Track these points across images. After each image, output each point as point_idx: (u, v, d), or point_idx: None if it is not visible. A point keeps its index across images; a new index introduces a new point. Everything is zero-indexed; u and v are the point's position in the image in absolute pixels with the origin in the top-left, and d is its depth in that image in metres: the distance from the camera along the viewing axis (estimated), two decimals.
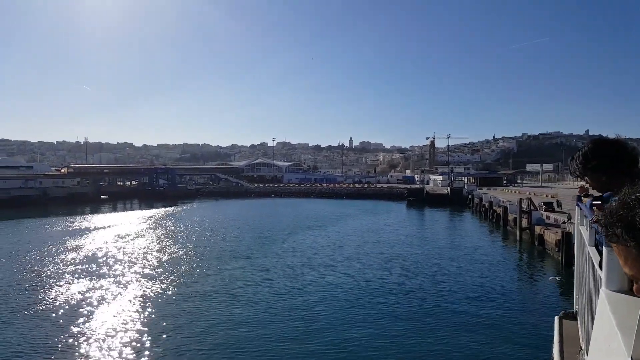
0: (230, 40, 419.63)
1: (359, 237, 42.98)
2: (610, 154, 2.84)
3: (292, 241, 40.60)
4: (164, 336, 17.40)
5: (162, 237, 43.96)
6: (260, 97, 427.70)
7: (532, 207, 39.11)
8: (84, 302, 21.71)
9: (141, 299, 22.32)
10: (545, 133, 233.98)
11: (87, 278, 26.57)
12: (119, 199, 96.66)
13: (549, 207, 45.38)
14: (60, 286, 24.81)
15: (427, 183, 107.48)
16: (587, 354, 3.09)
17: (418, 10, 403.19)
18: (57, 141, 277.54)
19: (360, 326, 18.44)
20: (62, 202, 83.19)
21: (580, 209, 4.48)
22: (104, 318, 19.54)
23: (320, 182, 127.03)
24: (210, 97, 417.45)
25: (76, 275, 27.26)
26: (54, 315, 19.97)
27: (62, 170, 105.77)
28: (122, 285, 25.00)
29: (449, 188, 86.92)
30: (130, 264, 30.54)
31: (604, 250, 2.56)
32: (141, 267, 29.62)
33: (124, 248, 37.17)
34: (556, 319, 4.50)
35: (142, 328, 18.30)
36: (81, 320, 19.19)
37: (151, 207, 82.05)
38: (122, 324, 18.79)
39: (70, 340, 17.05)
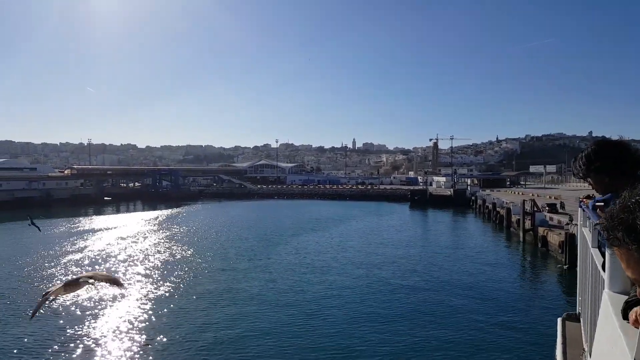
0: (234, 41, 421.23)
1: (363, 239, 42.95)
2: (613, 156, 2.83)
3: (295, 243, 40.60)
4: (167, 337, 17.43)
5: (166, 238, 44.04)
6: (264, 99, 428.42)
7: (535, 209, 38.99)
8: (86, 304, 21.75)
9: (145, 301, 22.38)
10: (549, 134, 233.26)
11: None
12: (122, 201, 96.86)
13: (552, 208, 45.22)
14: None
15: (431, 184, 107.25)
16: (590, 356, 3.09)
17: (421, 11, 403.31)
18: (60, 143, 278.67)
19: (365, 327, 18.42)
20: (65, 203, 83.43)
21: (583, 210, 4.47)
22: (107, 319, 19.59)
23: (324, 183, 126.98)
24: (214, 99, 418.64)
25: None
26: (57, 316, 20.01)
27: (66, 172, 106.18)
28: (125, 287, 25.03)
29: (452, 189, 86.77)
30: (133, 266, 30.62)
31: (607, 252, 2.56)
32: (145, 269, 29.70)
33: (127, 249, 37.27)
34: (559, 320, 4.49)
35: (145, 329, 18.36)
36: (84, 321, 19.26)
37: (154, 208, 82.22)
38: (126, 325, 18.84)
39: (74, 341, 17.11)
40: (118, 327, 18.49)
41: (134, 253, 35.36)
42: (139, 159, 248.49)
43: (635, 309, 1.61)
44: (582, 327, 4.06)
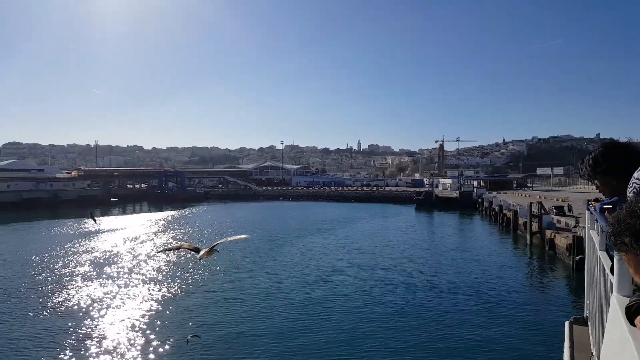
0: (238, 42, 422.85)
1: (368, 241, 42.87)
2: (621, 158, 2.80)
3: (300, 244, 40.60)
4: (172, 337, 17.47)
5: (171, 240, 44.21)
6: (269, 100, 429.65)
7: (542, 211, 38.71)
8: (93, 304, 21.89)
9: (150, 302, 22.47)
10: (556, 136, 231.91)
11: (97, 280, 26.82)
12: (129, 202, 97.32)
13: (559, 211, 44.90)
14: (70, 288, 25.06)
15: (437, 186, 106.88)
16: None
17: (426, 12, 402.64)
18: (67, 144, 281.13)
19: (370, 330, 18.35)
20: (72, 204, 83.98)
21: (591, 213, 4.43)
22: (113, 320, 19.71)
23: (329, 185, 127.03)
24: (219, 100, 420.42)
25: (86, 278, 27.52)
26: (63, 317, 20.18)
27: (73, 173, 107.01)
28: (131, 288, 25.18)
29: (458, 191, 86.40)
30: (139, 267, 30.76)
31: (615, 255, 2.53)
32: (150, 270, 29.82)
33: (133, 251, 37.46)
34: (566, 324, 4.44)
35: (150, 330, 18.41)
36: (90, 322, 19.39)
37: (160, 209, 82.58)
38: (131, 326, 18.92)
39: (80, 341, 17.22)
40: (122, 328, 18.58)
41: (141, 254, 35.50)
42: (145, 161, 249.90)
43: None
44: (590, 331, 4.01)
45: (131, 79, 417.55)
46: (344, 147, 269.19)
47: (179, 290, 24.68)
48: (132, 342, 17.18)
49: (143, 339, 17.51)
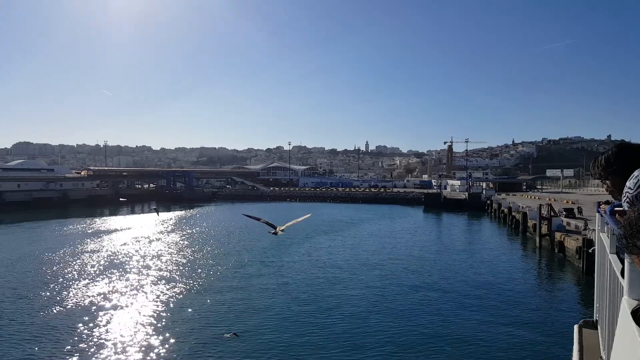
0: (248, 44, 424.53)
1: (376, 242, 42.75)
2: (634, 159, 2.76)
3: (308, 245, 40.59)
4: (179, 337, 17.56)
5: (179, 239, 44.46)
6: (277, 101, 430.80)
7: (552, 213, 38.36)
8: (102, 303, 22.08)
9: (158, 301, 22.61)
10: (566, 138, 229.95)
11: (106, 279, 27.04)
12: (137, 202, 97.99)
13: (569, 213, 44.47)
14: (79, 287, 25.30)
15: (445, 188, 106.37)
16: None
17: (436, 12, 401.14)
18: (77, 144, 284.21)
19: (378, 333, 18.28)
20: (82, 204, 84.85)
21: (601, 215, 4.36)
22: (121, 319, 19.87)
23: (336, 186, 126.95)
24: (227, 101, 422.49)
25: (95, 277, 27.76)
26: (72, 315, 20.37)
27: (82, 173, 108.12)
28: (139, 287, 25.35)
29: (467, 193, 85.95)
30: (147, 267, 30.96)
31: (626, 258, 2.48)
32: (158, 270, 30.00)
33: (141, 250, 37.73)
34: (576, 327, 4.38)
35: (158, 329, 18.54)
36: (99, 320, 19.55)
37: (169, 209, 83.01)
38: (138, 324, 19.07)
39: (88, 339, 17.36)
40: (130, 327, 18.72)
41: (149, 254, 35.75)
42: (153, 161, 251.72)
43: None
44: (599, 335, 3.95)
45: (140, 80, 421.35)
46: (352, 148, 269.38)
47: (187, 290, 24.79)
48: (135, 341, 17.29)
49: (146, 338, 17.61)
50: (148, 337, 17.75)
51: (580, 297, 24.56)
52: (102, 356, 15.98)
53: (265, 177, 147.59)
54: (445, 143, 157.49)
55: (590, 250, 26.43)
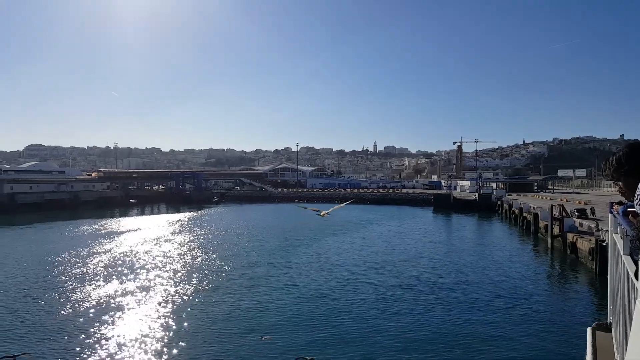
0: (256, 46, 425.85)
1: (385, 243, 42.60)
2: None
3: (316, 246, 40.59)
4: (188, 337, 17.65)
5: (189, 240, 44.72)
6: (284, 102, 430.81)
7: (564, 214, 37.95)
8: (113, 304, 22.26)
9: (167, 302, 22.74)
10: (578, 137, 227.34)
11: (116, 280, 27.27)
12: (147, 203, 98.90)
13: (581, 214, 43.98)
14: (90, 287, 25.53)
15: (455, 188, 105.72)
16: None
17: (444, 12, 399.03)
18: (87, 146, 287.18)
19: (389, 335, 18.18)
20: (92, 205, 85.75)
21: (614, 216, 4.29)
22: (131, 319, 20.04)
23: (344, 187, 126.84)
24: (236, 103, 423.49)
25: (105, 277, 28.00)
26: (83, 315, 20.57)
27: (93, 175, 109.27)
28: (149, 288, 25.52)
29: (477, 194, 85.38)
30: (157, 267, 31.16)
31: None
32: (168, 270, 30.19)
33: (151, 251, 38.02)
34: (589, 330, 4.31)
35: (167, 329, 18.65)
36: (110, 321, 19.72)
37: (178, 210, 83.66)
38: (148, 325, 19.19)
39: (98, 339, 17.51)
40: (139, 327, 18.86)
41: (158, 255, 35.99)
42: (163, 162, 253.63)
43: None
44: (613, 337, 3.89)
45: (149, 82, 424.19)
46: (360, 149, 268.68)
47: (195, 291, 24.91)
48: (144, 341, 17.39)
49: (155, 338, 17.70)
50: (158, 337, 17.84)
51: (594, 299, 24.25)
52: (113, 357, 16.09)
53: (274, 178, 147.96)
54: (454, 143, 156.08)
55: (604, 244, 25.83)
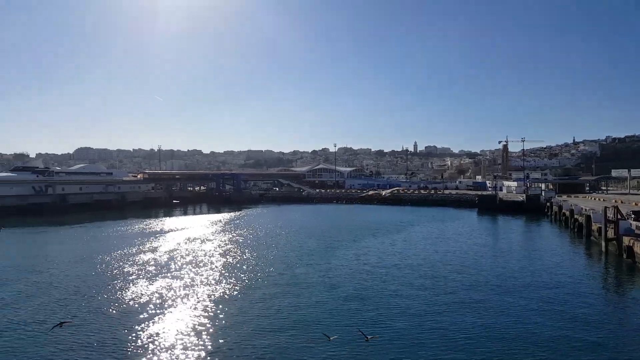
0: (292, 47, 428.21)
1: (426, 246, 41.25)
2: None
3: (355, 248, 39.88)
4: (228, 337, 17.49)
5: (229, 240, 45.22)
6: (322, 103, 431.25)
7: (619, 216, 35.39)
8: (157, 301, 22.59)
9: (208, 301, 22.82)
10: (633, 135, 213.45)
11: (160, 278, 27.83)
12: (189, 203, 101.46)
13: (638, 216, 40.84)
14: (136, 286, 26.12)
15: (500, 189, 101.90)
16: None
17: (487, 7, 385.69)
18: (133, 149, 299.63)
19: (432, 344, 17.27)
20: (138, 205, 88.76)
21: None
22: (171, 314, 20.27)
23: (384, 187, 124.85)
24: (273, 105, 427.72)
25: (150, 276, 28.63)
26: (129, 313, 20.93)
27: (139, 176, 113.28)
28: (190, 286, 25.82)
29: (524, 195, 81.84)
30: (198, 266, 31.57)
31: None
32: (209, 270, 30.52)
33: (193, 250, 38.76)
34: None
35: (209, 328, 18.59)
36: (153, 318, 19.92)
37: (218, 211, 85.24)
38: (190, 323, 19.23)
39: (144, 336, 17.65)
40: (182, 326, 18.89)
41: (200, 254, 36.53)
42: (203, 164, 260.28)
43: None
44: None
45: (189, 87, 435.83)
46: (399, 149, 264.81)
47: (235, 291, 24.93)
48: (186, 339, 17.35)
49: (198, 337, 17.63)
50: (200, 335, 17.81)
51: None
52: (159, 355, 16.14)
53: (311, 179, 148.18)
54: (499, 142, 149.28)
55: None
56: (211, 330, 18.65)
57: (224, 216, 74.11)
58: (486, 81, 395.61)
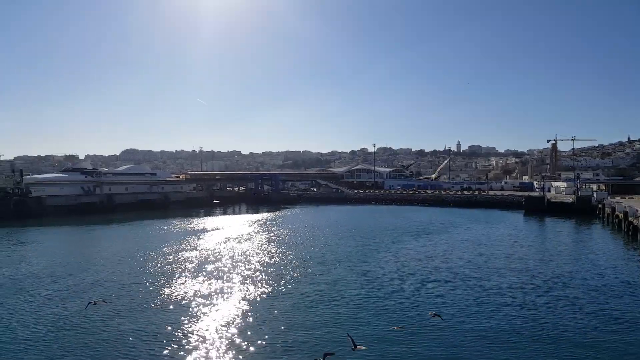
0: (330, 48, 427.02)
1: (470, 249, 39.51)
2: None
3: (394, 250, 38.83)
4: (265, 336, 17.22)
5: (267, 240, 45.36)
6: (361, 103, 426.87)
7: None
8: (197, 299, 22.80)
9: (247, 300, 22.77)
10: None
11: (201, 276, 28.21)
12: (229, 203, 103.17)
13: None
14: (178, 283, 26.59)
15: (549, 190, 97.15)
16: None
17: (538, 3, 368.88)
18: (176, 150, 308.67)
19: (474, 351, 16.15)
20: (180, 205, 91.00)
21: None
22: (213, 316, 20.27)
23: (424, 188, 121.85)
24: (311, 105, 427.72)
25: (192, 274, 29.08)
26: (171, 310, 21.22)
27: (181, 177, 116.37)
28: (230, 286, 25.92)
29: (574, 196, 77.57)
30: (238, 265, 31.81)
31: None
32: (248, 269, 30.67)
33: (233, 249, 39.32)
34: None
35: (247, 327, 18.45)
36: (194, 315, 20.06)
37: (257, 211, 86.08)
38: (229, 322, 19.22)
39: (184, 334, 17.77)
40: (221, 324, 18.87)
41: (239, 253, 36.89)
42: (243, 165, 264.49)
43: None
44: None
45: (229, 89, 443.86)
46: (441, 149, 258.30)
47: (271, 290, 24.75)
48: (225, 338, 17.23)
49: (236, 336, 17.48)
50: (232, 334, 17.70)
51: None
52: (205, 352, 16.12)
53: (349, 180, 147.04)
54: (548, 141, 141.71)
55: None
56: (244, 325, 18.86)
57: (263, 216, 74.66)
58: (534, 77, 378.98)
